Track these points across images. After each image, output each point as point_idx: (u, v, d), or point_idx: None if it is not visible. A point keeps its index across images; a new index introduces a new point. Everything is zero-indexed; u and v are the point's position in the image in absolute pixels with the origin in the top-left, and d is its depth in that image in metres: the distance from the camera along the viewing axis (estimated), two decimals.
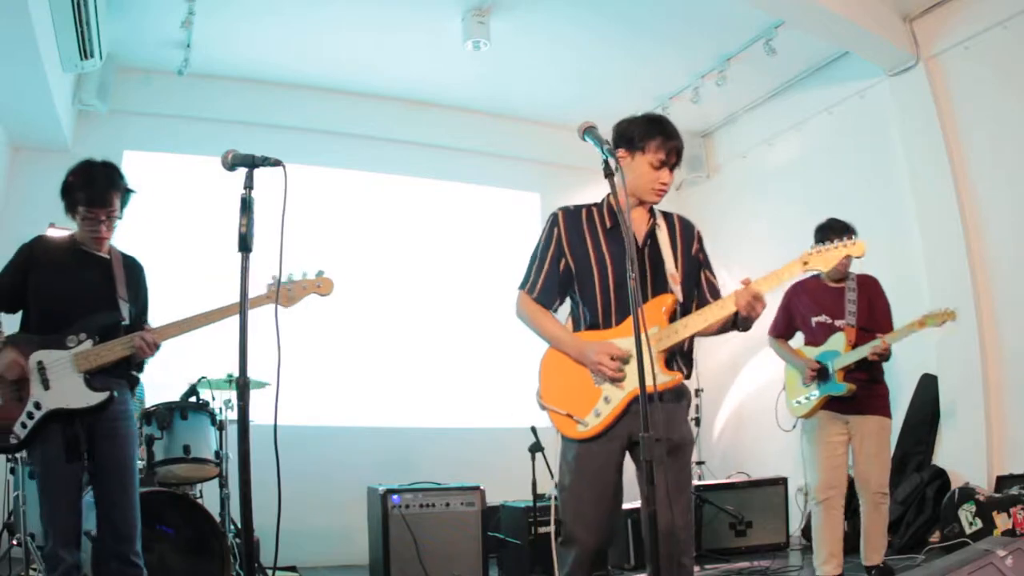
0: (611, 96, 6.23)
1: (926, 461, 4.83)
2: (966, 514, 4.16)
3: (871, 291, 3.73)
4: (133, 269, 2.83)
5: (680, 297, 2.31)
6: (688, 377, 2.35)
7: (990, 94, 4.69)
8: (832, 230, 3.53)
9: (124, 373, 2.70)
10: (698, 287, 2.44)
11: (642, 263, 2.32)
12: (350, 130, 6.04)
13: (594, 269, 2.34)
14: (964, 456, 4.62)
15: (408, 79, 5.89)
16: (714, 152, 7.00)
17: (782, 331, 3.89)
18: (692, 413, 6.63)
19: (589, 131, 2.22)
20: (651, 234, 2.37)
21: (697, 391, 6.71)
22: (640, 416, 1.92)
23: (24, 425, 2.49)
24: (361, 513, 4.59)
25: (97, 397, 2.58)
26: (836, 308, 3.66)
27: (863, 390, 3.55)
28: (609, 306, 2.31)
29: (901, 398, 4.99)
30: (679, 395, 2.33)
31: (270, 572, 2.18)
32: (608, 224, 2.38)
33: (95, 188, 2.61)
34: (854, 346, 3.57)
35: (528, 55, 5.60)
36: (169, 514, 3.30)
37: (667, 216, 2.46)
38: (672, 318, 2.29)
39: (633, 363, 2.13)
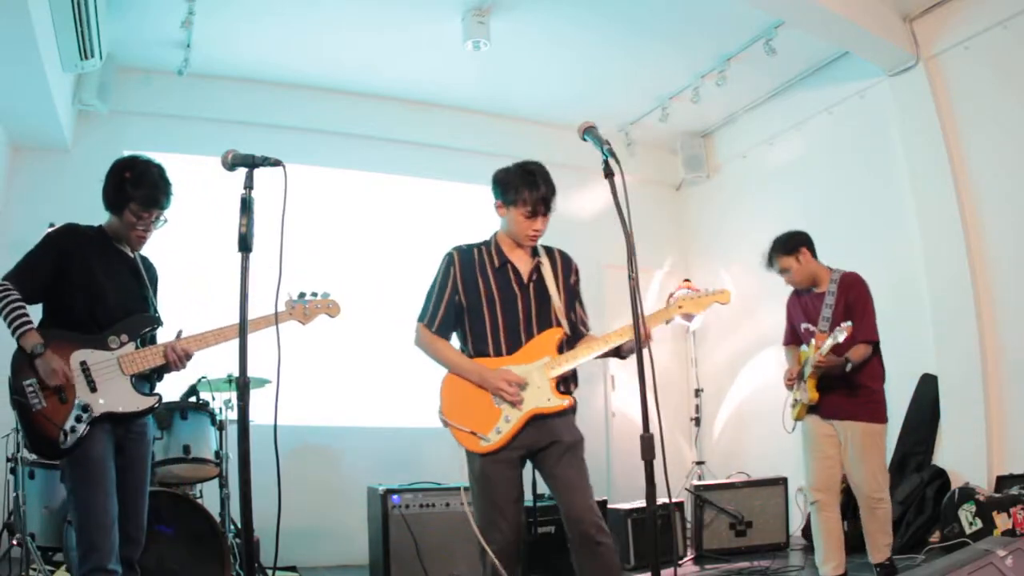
0: (611, 96, 6.25)
1: (926, 461, 4.83)
2: (966, 514, 4.16)
3: (849, 292, 3.56)
4: (152, 271, 2.74)
5: (568, 331, 2.60)
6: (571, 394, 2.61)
7: (990, 94, 4.69)
8: (769, 256, 3.75)
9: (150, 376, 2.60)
10: (572, 317, 2.69)
11: (527, 298, 2.59)
12: (350, 130, 6.03)
13: (484, 304, 2.58)
14: (964, 456, 4.62)
15: (408, 79, 5.89)
16: (714, 152, 7.00)
17: (789, 339, 3.90)
18: (692, 413, 6.67)
19: (589, 131, 2.23)
20: (536, 270, 2.64)
21: (697, 391, 6.74)
22: (644, 417, 1.93)
23: (73, 429, 2.33)
24: (361, 513, 4.59)
25: (148, 401, 2.49)
26: (816, 314, 3.61)
27: (845, 396, 3.51)
28: (499, 336, 2.56)
29: (901, 398, 4.99)
30: (567, 410, 2.55)
31: (270, 572, 2.18)
32: (496, 263, 2.64)
33: (155, 189, 2.50)
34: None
35: (528, 55, 5.60)
36: (169, 514, 3.29)
37: (548, 251, 2.74)
38: (560, 349, 2.56)
39: (528, 387, 2.48)
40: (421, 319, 2.65)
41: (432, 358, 2.64)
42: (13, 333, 2.35)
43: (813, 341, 3.56)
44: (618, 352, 2.59)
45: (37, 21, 3.80)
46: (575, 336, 2.67)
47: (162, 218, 2.57)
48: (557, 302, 2.60)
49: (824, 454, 3.55)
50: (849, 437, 3.50)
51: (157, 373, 2.58)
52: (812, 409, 3.59)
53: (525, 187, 2.56)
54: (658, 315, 2.62)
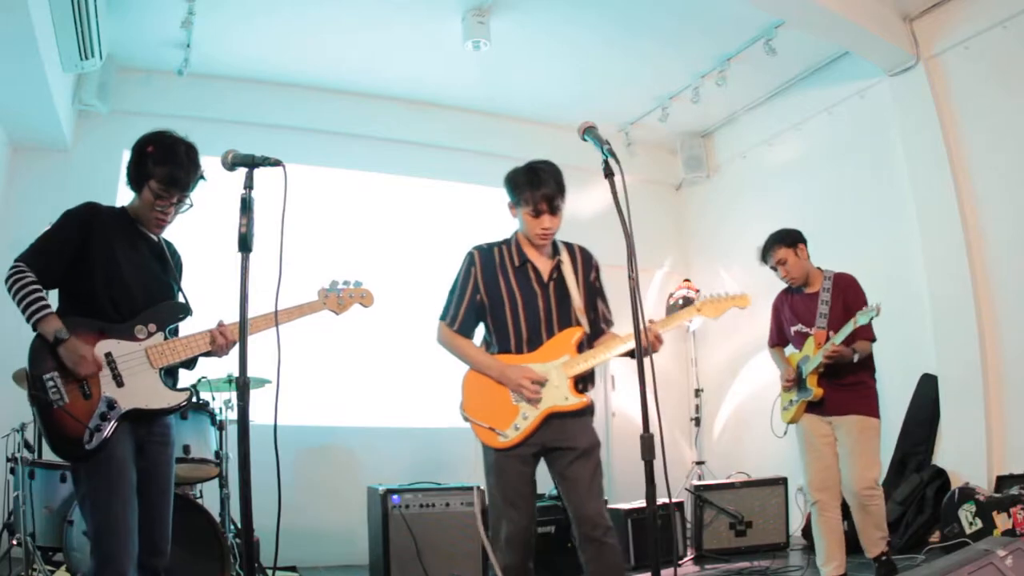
0: (611, 96, 6.25)
1: (926, 461, 4.83)
2: (966, 514, 4.16)
3: (847, 292, 3.64)
4: (176, 257, 2.56)
5: (587, 329, 2.59)
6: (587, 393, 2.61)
7: (990, 94, 4.69)
8: (766, 248, 3.73)
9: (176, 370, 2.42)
10: (594, 314, 2.68)
11: (548, 297, 2.59)
12: (350, 130, 6.03)
13: (505, 303, 2.59)
14: (964, 456, 4.62)
15: (408, 79, 5.89)
16: (714, 152, 7.01)
17: (776, 340, 3.91)
18: (692, 413, 6.67)
19: (589, 131, 2.23)
20: (556, 269, 2.63)
21: (697, 391, 6.74)
22: (644, 417, 1.93)
23: (99, 428, 2.12)
24: (361, 513, 4.59)
25: (178, 397, 2.31)
26: (808, 315, 3.65)
27: (842, 391, 3.53)
28: (520, 334, 2.58)
29: (901, 398, 4.99)
30: (584, 410, 2.57)
31: (270, 572, 2.18)
32: (516, 262, 2.63)
33: (181, 168, 2.31)
34: None
35: (528, 55, 5.60)
36: None
37: (569, 248, 2.72)
38: (579, 348, 2.57)
39: (547, 385, 2.50)
40: (443, 318, 2.68)
41: (454, 355, 2.67)
42: (29, 319, 2.15)
43: (810, 341, 3.59)
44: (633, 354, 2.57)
45: (37, 21, 3.80)
46: (596, 333, 2.66)
47: (187, 202, 2.38)
48: (577, 301, 2.59)
49: (822, 454, 3.56)
50: (846, 431, 3.52)
51: (185, 366, 2.41)
52: (811, 408, 3.59)
53: (528, 186, 2.54)
54: (676, 317, 2.64)
